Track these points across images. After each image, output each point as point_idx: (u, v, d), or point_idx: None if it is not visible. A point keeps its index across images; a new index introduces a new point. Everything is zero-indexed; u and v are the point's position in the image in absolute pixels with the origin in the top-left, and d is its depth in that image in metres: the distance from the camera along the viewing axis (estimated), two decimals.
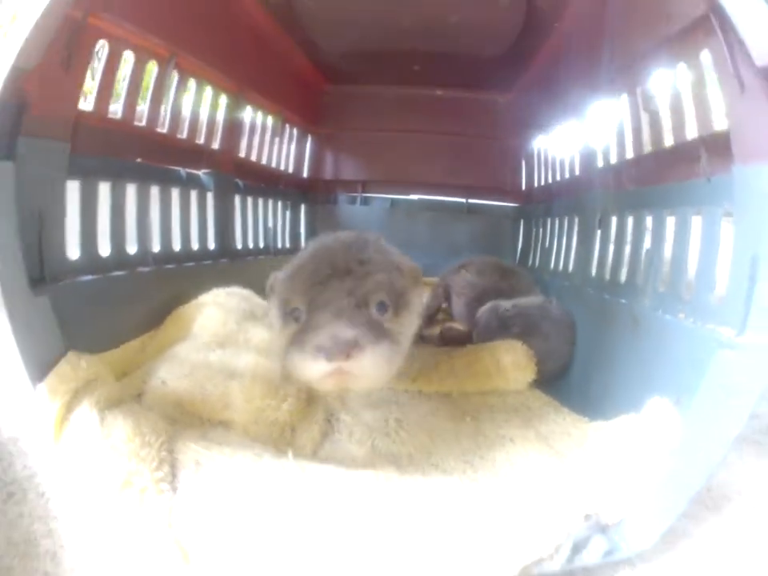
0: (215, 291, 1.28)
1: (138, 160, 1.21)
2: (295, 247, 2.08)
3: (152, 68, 1.22)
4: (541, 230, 1.86)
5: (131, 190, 1.19)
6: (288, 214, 2.07)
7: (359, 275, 0.89)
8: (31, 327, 0.77)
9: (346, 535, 0.66)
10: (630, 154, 1.20)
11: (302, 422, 0.97)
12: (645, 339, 1.01)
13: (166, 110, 1.30)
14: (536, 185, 1.97)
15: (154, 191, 1.26)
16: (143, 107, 1.23)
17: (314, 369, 0.80)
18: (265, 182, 1.85)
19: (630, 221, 1.18)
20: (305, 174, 2.22)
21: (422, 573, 0.64)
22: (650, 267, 1.06)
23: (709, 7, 0.74)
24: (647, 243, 1.10)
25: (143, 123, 1.22)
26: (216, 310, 1.18)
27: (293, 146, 2.08)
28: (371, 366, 0.80)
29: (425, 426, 1.01)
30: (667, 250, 1.03)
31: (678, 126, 1.01)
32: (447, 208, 2.29)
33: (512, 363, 1.23)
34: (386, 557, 0.65)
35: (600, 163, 1.36)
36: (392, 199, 2.29)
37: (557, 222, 1.69)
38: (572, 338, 1.33)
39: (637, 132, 1.17)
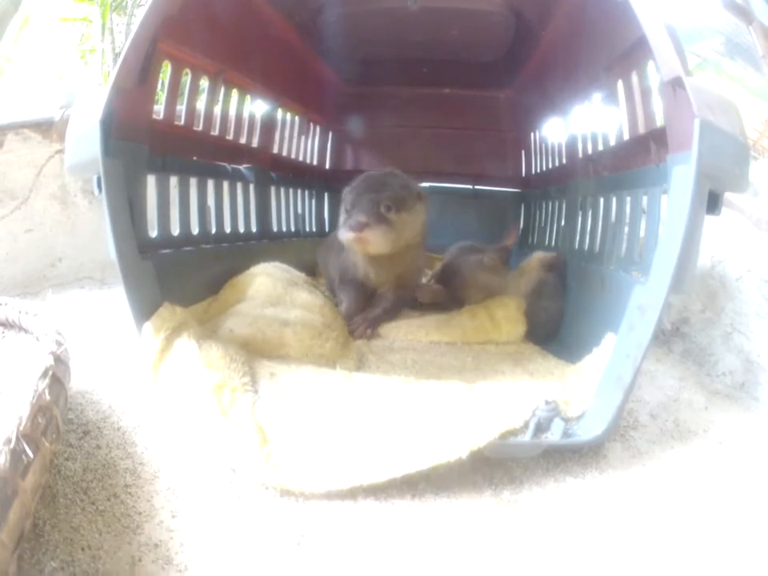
0: (263, 264, 1.54)
1: (195, 158, 1.47)
2: (321, 230, 2.35)
3: (204, 82, 1.48)
4: (538, 212, 2.11)
5: (193, 183, 1.46)
6: (314, 201, 2.31)
7: (379, 190, 1.41)
8: (140, 284, 1.04)
9: (381, 413, 0.94)
10: (601, 147, 1.45)
11: (341, 358, 1.24)
12: (608, 294, 1.26)
13: (216, 117, 1.56)
14: (534, 172, 2.21)
15: (210, 184, 1.53)
16: (199, 115, 1.49)
17: (346, 235, 1.36)
18: (294, 174, 2.11)
19: (602, 202, 1.43)
20: (327, 166, 2.45)
21: (428, 433, 0.88)
22: (614, 238, 1.31)
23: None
24: (613, 219, 1.35)
25: (200, 128, 1.48)
26: (266, 278, 1.45)
27: (316, 142, 2.33)
28: (374, 236, 1.34)
29: (435, 363, 1.28)
30: (626, 224, 1.28)
31: (633, 123, 1.26)
32: (457, 194, 2.49)
33: (504, 317, 1.49)
34: (403, 425, 0.91)
35: (580, 154, 1.61)
36: None
37: (550, 204, 1.94)
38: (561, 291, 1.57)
39: (606, 128, 1.42)
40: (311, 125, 2.25)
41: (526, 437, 0.91)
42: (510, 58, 1.93)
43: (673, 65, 0.87)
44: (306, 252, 1.99)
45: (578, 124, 1.62)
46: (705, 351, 1.42)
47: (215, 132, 1.56)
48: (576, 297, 1.49)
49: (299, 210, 2.16)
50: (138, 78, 1.10)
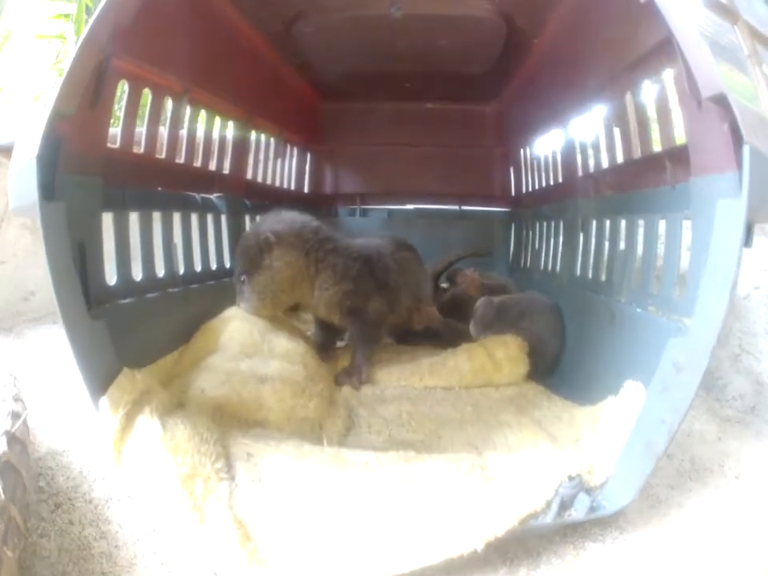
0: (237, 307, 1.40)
1: (160, 189, 1.33)
2: None
3: (168, 102, 1.35)
4: (530, 232, 1.99)
5: (156, 218, 1.31)
6: None
7: (237, 262, 1.37)
8: (91, 350, 0.88)
9: (377, 503, 0.80)
10: (605, 164, 1.33)
11: (327, 419, 1.11)
12: (620, 330, 1.15)
13: (182, 141, 1.42)
14: (524, 190, 2.10)
15: (176, 217, 1.38)
16: (162, 140, 1.35)
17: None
18: (270, 200, 1.96)
19: (608, 224, 1.31)
20: (306, 190, 2.33)
21: (439, 524, 0.76)
22: (624, 267, 1.19)
23: (670, 33, 0.84)
24: (622, 245, 1.23)
25: (163, 155, 1.34)
26: (241, 322, 1.30)
27: (293, 164, 2.20)
28: (248, 310, 1.34)
29: (432, 416, 1.16)
30: (639, 251, 1.17)
31: (646, 140, 1.14)
32: (442, 215, 2.39)
33: (505, 357, 1.37)
34: (409, 514, 0.78)
35: (580, 172, 1.48)
36: (389, 210, 2.40)
37: (544, 225, 1.82)
38: (560, 326, 1.47)
39: (611, 144, 1.30)
40: (287, 146, 2.12)
41: (548, 518, 0.80)
42: (497, 70, 1.81)
43: (713, 78, 0.76)
44: None
45: (576, 139, 1.49)
46: (713, 375, 1.36)
47: (181, 159, 1.42)
48: (580, 329, 1.38)
49: None
50: (89, 99, 0.96)
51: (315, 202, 2.34)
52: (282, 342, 1.28)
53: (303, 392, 1.12)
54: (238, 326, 1.29)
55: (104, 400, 0.86)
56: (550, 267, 1.73)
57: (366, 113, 2.33)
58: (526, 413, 1.18)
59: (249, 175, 1.81)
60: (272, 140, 1.96)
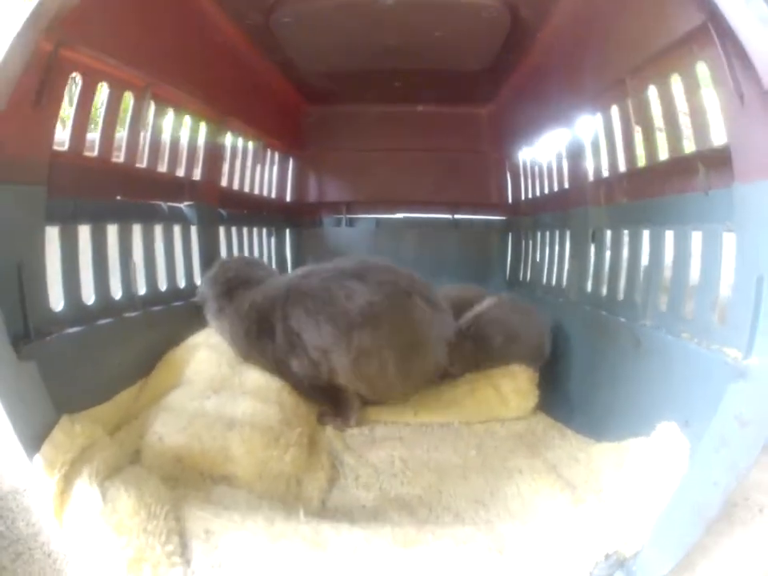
0: (207, 330, 1.24)
1: (118, 197, 1.17)
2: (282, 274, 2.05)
3: (128, 100, 1.17)
4: (530, 243, 1.84)
5: (113, 231, 1.15)
6: (273, 240, 2.02)
7: None
8: (20, 396, 0.72)
9: None
10: (622, 168, 1.18)
11: (307, 472, 0.95)
12: (648, 360, 0.99)
13: (144, 143, 1.26)
14: (523, 197, 1.94)
15: (137, 229, 1.22)
16: (121, 142, 1.18)
17: None
18: (248, 210, 1.82)
19: (626, 235, 1.16)
20: (288, 198, 2.17)
21: None
22: (648, 285, 1.04)
23: (708, 19, 0.72)
24: (645, 259, 1.08)
25: (121, 159, 1.17)
26: (208, 351, 1.15)
27: (275, 171, 2.04)
28: None
29: (431, 463, 1.00)
30: (667, 267, 1.01)
31: (674, 139, 0.99)
32: (434, 224, 2.24)
33: (513, 390, 1.22)
34: None
35: (591, 177, 1.33)
36: (377, 219, 2.24)
37: (547, 234, 1.67)
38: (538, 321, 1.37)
39: (629, 145, 1.15)
40: (268, 151, 1.96)
41: None
42: (496, 67, 1.66)
43: None
44: None
45: (586, 140, 1.34)
46: None
47: (143, 163, 1.26)
48: (594, 353, 1.23)
49: (256, 252, 1.86)
50: (32, 96, 0.82)
51: (298, 212, 2.19)
52: (255, 376, 1.13)
53: (278, 441, 0.95)
54: (205, 356, 1.14)
55: (38, 458, 0.71)
56: (554, 281, 1.58)
57: (353, 116, 2.18)
58: (537, 454, 1.03)
59: (224, 182, 1.65)
60: (250, 144, 1.80)
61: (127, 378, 1.10)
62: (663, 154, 1.04)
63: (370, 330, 1.09)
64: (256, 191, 1.89)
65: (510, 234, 2.10)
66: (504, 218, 2.16)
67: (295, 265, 2.13)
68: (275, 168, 2.04)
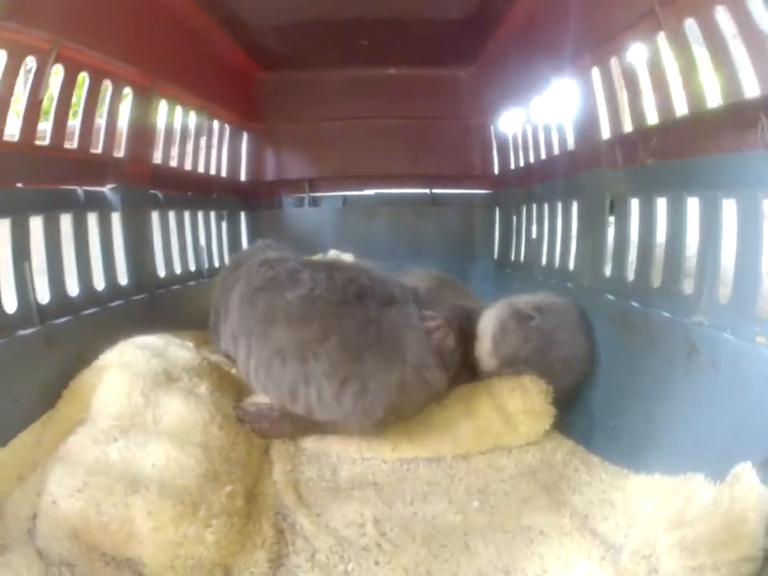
0: (121, 346, 0.97)
1: (19, 185, 0.91)
2: None
3: (27, 61, 0.90)
4: (524, 218, 1.58)
5: (4, 229, 0.89)
6: (224, 225, 1.76)
7: None
8: None
9: None
10: (653, 119, 0.92)
11: (239, 554, 0.69)
12: (710, 374, 0.75)
13: (50, 116, 1.00)
14: (513, 167, 1.69)
15: (36, 224, 0.95)
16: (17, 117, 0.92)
17: None
18: (193, 191, 1.55)
19: (662, 205, 0.91)
20: (242, 177, 1.91)
21: None
22: (703, 270, 0.79)
23: None
24: (691, 237, 0.83)
25: (17, 136, 0.91)
26: (119, 375, 0.88)
27: (225, 146, 1.77)
28: None
29: (417, 525, 0.75)
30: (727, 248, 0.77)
31: (729, 81, 0.74)
32: (409, 201, 1.99)
33: (523, 410, 0.96)
34: None
35: (606, 134, 1.08)
36: (345, 197, 1.99)
37: (545, 207, 1.41)
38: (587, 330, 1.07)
39: (662, 91, 0.89)
40: (215, 123, 1.68)
41: None
42: (479, 16, 1.40)
43: None
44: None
45: (601, 87, 1.07)
46: None
47: (46, 140, 0.98)
48: (625, 358, 0.97)
49: (201, 241, 1.59)
50: None
51: (254, 192, 1.93)
52: (176, 406, 0.85)
53: (196, 511, 0.68)
54: (115, 382, 0.87)
55: None
56: (557, 263, 1.32)
57: (314, 83, 1.91)
58: (561, 500, 0.79)
59: (157, 159, 1.37)
60: (193, 115, 1.52)
61: (26, 415, 0.85)
62: (712, 101, 0.79)
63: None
64: (201, 169, 1.61)
65: (498, 209, 1.84)
66: (489, 191, 1.91)
67: None
68: (225, 143, 1.77)
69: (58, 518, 0.68)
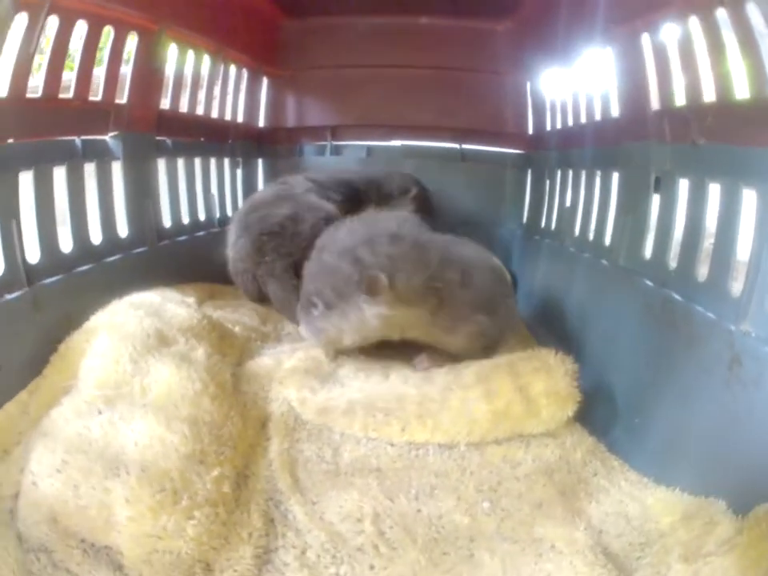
0: (113, 305, 0.90)
1: (10, 140, 0.85)
2: None
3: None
4: (558, 184, 1.47)
5: None
6: (240, 172, 1.68)
7: None
8: None
9: None
10: (709, 96, 0.82)
11: (222, 549, 0.63)
12: (749, 391, 0.67)
13: (43, 64, 0.92)
14: (549, 128, 1.57)
15: (25, 178, 0.88)
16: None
17: None
18: (206, 137, 1.47)
19: (715, 191, 0.81)
20: (261, 123, 1.82)
21: None
22: (756, 273, 0.70)
23: None
24: (748, 231, 0.74)
25: (6, 90, 0.83)
26: (108, 338, 0.81)
27: (242, 91, 1.68)
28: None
29: (419, 525, 0.69)
30: None
31: None
32: (437, 155, 1.88)
33: (545, 393, 0.86)
34: None
35: (655, 104, 0.97)
36: (368, 146, 1.89)
37: (582, 175, 1.31)
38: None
39: (721, 67, 0.78)
40: (232, 67, 1.58)
41: None
42: None
43: None
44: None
45: (650, 55, 0.97)
46: None
47: (38, 91, 0.90)
48: (650, 348, 0.90)
49: (214, 189, 1.51)
50: None
51: (273, 139, 1.83)
52: (166, 373, 0.78)
53: (177, 501, 0.62)
54: (102, 345, 0.81)
55: None
56: (592, 236, 1.22)
57: (340, 29, 1.80)
58: (576, 507, 0.73)
59: (165, 105, 1.28)
60: (206, 59, 1.43)
61: (13, 383, 0.81)
62: None
63: None
64: (215, 115, 1.53)
65: (530, 171, 1.73)
66: (522, 152, 1.80)
67: None
68: (242, 89, 1.67)
69: (37, 500, 0.64)
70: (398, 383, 0.92)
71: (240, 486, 0.72)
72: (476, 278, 0.99)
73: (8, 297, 0.81)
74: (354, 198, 1.48)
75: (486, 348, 1.00)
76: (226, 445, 0.75)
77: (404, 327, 0.97)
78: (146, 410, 0.73)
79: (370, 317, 0.92)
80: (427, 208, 1.59)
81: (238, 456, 0.76)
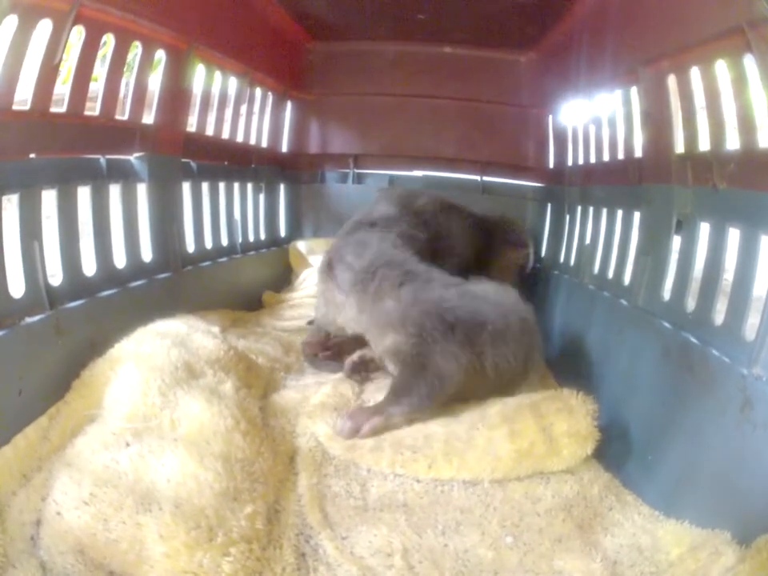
0: (139, 333, 0.90)
1: (32, 155, 0.85)
2: (273, 239, 1.71)
3: (43, 24, 0.82)
4: (578, 220, 1.47)
5: (11, 205, 0.82)
6: (262, 198, 1.69)
7: None
8: None
9: None
10: (734, 143, 0.82)
11: None
12: (759, 433, 0.69)
13: (72, 82, 0.93)
14: (570, 163, 1.57)
15: (48, 197, 0.88)
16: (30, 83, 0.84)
17: None
18: (230, 161, 1.48)
19: (734, 236, 0.81)
20: (284, 149, 1.85)
21: None
22: None
23: None
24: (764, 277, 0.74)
25: (29, 104, 0.84)
26: (135, 369, 0.82)
27: (267, 115, 1.69)
28: None
29: (446, 559, 0.71)
30: None
31: None
32: (458, 187, 1.90)
33: (568, 433, 0.88)
34: None
35: (679, 148, 0.97)
36: (391, 176, 1.92)
37: (603, 212, 1.30)
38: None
39: (746, 115, 0.78)
40: (258, 90, 1.61)
41: None
42: (544, 3, 1.32)
43: None
44: (250, 274, 1.37)
45: (672, 98, 0.97)
46: None
47: (63, 107, 0.91)
48: (666, 388, 0.91)
49: (236, 215, 1.52)
50: None
51: (296, 164, 1.86)
52: (195, 408, 0.79)
53: (212, 537, 0.63)
54: (129, 376, 0.82)
55: None
56: (611, 274, 1.22)
57: (366, 56, 1.84)
58: (594, 540, 0.76)
59: (191, 127, 1.30)
60: (233, 81, 1.44)
61: (33, 407, 0.80)
62: None
63: None
64: (240, 138, 1.55)
65: (550, 205, 1.73)
66: (542, 185, 1.81)
67: (289, 227, 1.84)
68: (267, 112, 1.69)
69: (62, 531, 0.64)
70: (428, 422, 0.93)
71: (271, 521, 0.73)
72: (508, 336, 1.02)
73: (29, 320, 0.81)
74: None
75: (510, 382, 1.03)
76: (258, 481, 0.75)
77: None
78: (177, 445, 0.73)
79: None
80: None
81: (269, 492, 0.77)
